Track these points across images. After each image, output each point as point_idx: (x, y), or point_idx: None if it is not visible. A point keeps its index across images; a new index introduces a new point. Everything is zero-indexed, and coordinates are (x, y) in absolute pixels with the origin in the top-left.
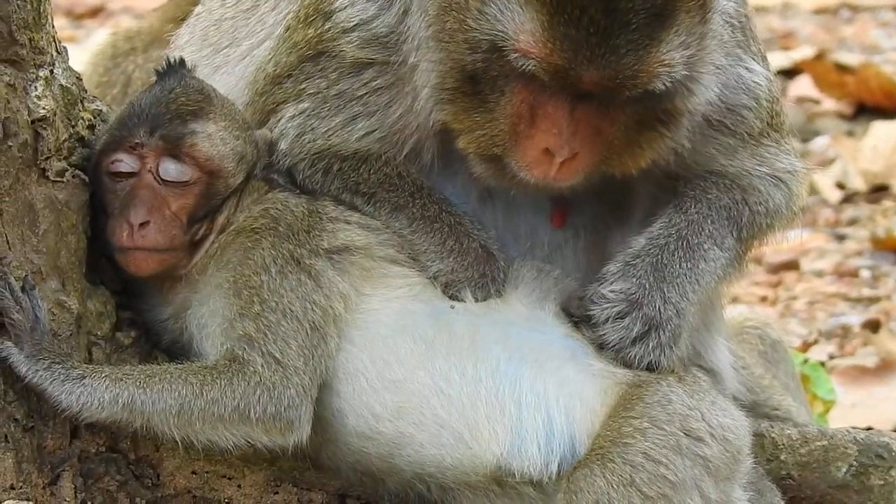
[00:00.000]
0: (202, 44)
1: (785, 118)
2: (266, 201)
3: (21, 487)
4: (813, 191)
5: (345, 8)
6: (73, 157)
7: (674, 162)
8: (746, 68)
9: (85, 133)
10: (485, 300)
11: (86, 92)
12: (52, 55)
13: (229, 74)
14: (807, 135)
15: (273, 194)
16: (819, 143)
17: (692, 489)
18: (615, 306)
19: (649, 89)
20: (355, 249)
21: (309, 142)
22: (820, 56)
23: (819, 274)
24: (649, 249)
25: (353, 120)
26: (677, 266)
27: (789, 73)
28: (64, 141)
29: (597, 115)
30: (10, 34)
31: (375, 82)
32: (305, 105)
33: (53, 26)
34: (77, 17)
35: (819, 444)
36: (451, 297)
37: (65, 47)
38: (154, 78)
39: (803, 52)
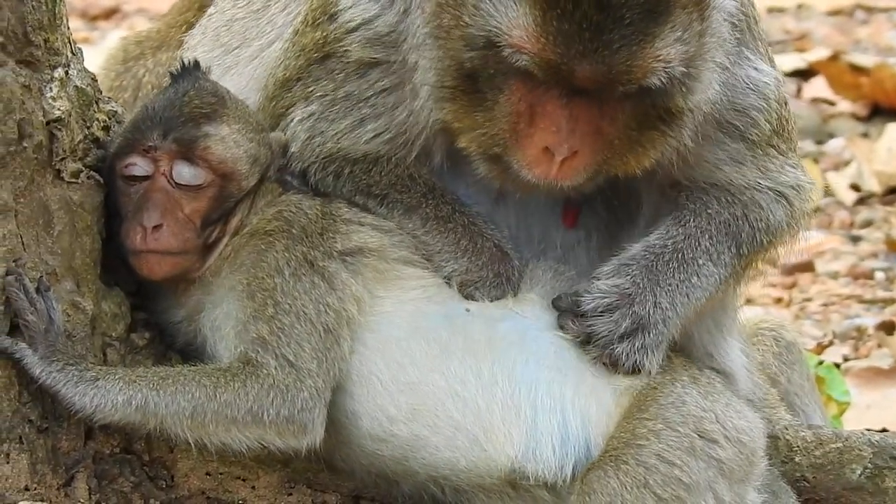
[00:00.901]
0: (214, 44)
1: (793, 127)
2: (279, 203)
3: (35, 488)
4: (828, 192)
5: (349, 8)
6: (88, 159)
7: (678, 167)
8: (755, 68)
9: (100, 134)
10: (500, 300)
11: (101, 93)
12: (67, 56)
13: (240, 75)
14: (822, 136)
15: (286, 196)
16: (834, 144)
17: (706, 491)
18: (607, 298)
19: (644, 85)
20: (369, 251)
21: (319, 145)
22: (835, 57)
23: (834, 276)
24: (645, 255)
25: (361, 122)
26: (670, 276)
27: (804, 75)
28: (79, 142)
29: (595, 112)
30: (26, 35)
31: (381, 83)
32: (314, 108)
33: (68, 27)
34: (91, 18)
35: (834, 446)
36: (466, 298)
37: (80, 48)
38: (168, 80)
39: (818, 54)
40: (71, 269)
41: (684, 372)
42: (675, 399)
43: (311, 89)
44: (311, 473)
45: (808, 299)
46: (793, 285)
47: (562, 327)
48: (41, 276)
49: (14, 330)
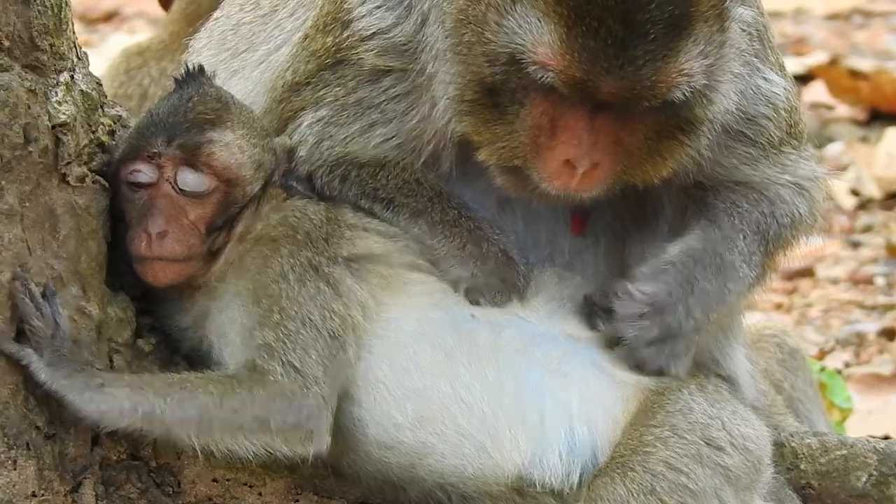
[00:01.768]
0: (220, 48)
1: (804, 126)
2: (284, 209)
3: (43, 495)
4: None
5: (363, 17)
6: (94, 163)
7: (695, 171)
8: (764, 78)
9: (105, 139)
10: (505, 305)
11: (106, 97)
12: (72, 60)
13: (246, 79)
14: (821, 141)
15: (291, 202)
16: (833, 149)
17: (712, 498)
18: (639, 305)
19: (668, 99)
20: (374, 257)
21: (327, 149)
22: (833, 62)
23: (834, 281)
24: (683, 260)
25: (370, 127)
26: (708, 284)
27: (803, 79)
28: (84, 146)
29: (616, 125)
30: (31, 39)
31: (394, 90)
32: (324, 112)
33: (74, 32)
34: (91, 21)
35: (839, 453)
36: (472, 303)
37: (85, 53)
38: (172, 85)
39: (816, 58)
40: (77, 274)
41: (692, 380)
42: (683, 406)
43: (321, 94)
44: (317, 480)
45: (809, 305)
46: (793, 291)
47: (592, 326)
48: (47, 281)
49: (20, 335)
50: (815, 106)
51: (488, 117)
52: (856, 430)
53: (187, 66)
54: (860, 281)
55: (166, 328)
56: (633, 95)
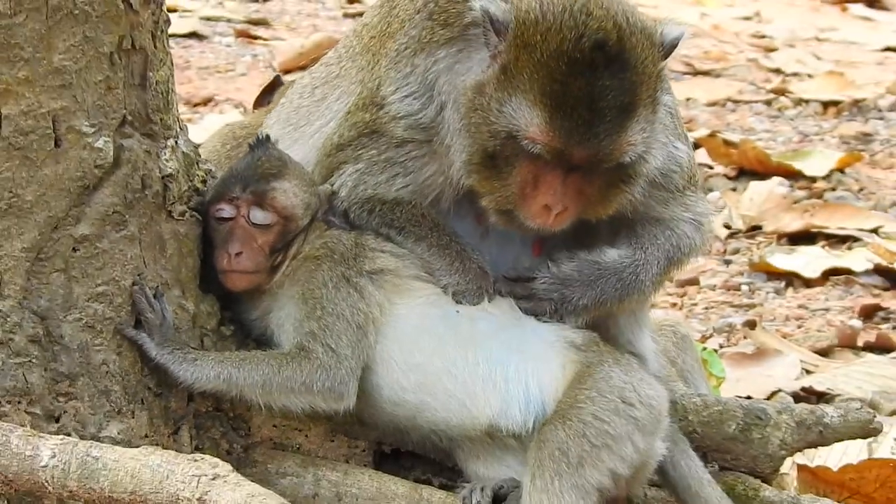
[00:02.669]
0: (285, 124)
1: (699, 178)
2: (325, 236)
3: (153, 436)
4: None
5: (394, 103)
6: (191, 203)
7: (629, 210)
8: (675, 146)
9: (199, 185)
10: (480, 304)
11: (199, 156)
12: (176, 130)
13: (304, 145)
14: (704, 191)
15: (330, 231)
16: (712, 196)
17: (626, 440)
18: (554, 282)
19: (620, 161)
20: (388, 271)
21: (361, 191)
22: (712, 135)
23: (713, 288)
24: (608, 265)
25: (394, 177)
26: (612, 290)
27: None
28: (185, 191)
29: (582, 180)
30: (147, 115)
31: (413, 153)
32: (360, 166)
33: (178, 110)
34: (193, 105)
35: (716, 408)
36: (457, 303)
37: (186, 125)
38: (247, 149)
39: (700, 132)
40: (178, 281)
41: (610, 356)
42: (605, 374)
43: (359, 153)
44: (347, 426)
45: (695, 304)
46: (683, 294)
47: (510, 292)
48: (157, 286)
49: (137, 324)
50: (700, 166)
51: (489, 175)
52: (728, 392)
53: (258, 135)
54: (731, 288)
55: (241, 320)
56: (596, 160)
